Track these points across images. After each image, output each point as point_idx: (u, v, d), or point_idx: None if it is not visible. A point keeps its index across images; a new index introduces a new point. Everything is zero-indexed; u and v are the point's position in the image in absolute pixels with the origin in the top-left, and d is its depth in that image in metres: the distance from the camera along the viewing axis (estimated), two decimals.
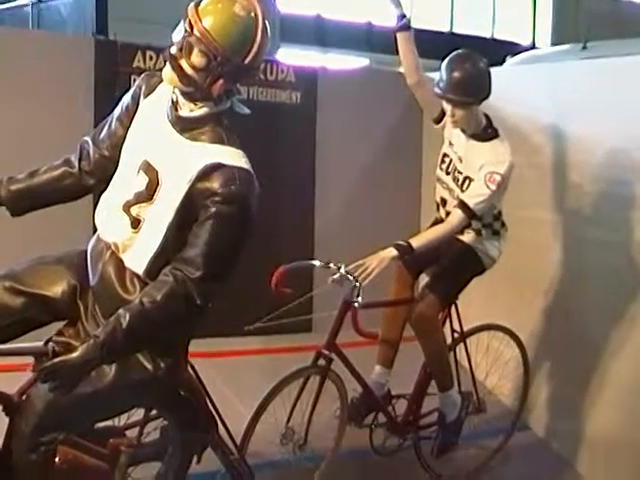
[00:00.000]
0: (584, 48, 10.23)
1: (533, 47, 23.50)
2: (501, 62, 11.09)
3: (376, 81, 7.57)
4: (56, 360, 3.12)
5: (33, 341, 3.38)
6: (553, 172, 6.23)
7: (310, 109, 7.13)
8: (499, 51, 13.69)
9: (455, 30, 25.24)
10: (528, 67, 9.25)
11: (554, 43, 22.38)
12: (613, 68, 6.00)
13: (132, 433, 4.04)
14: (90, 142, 3.65)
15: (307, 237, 7.13)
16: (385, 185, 7.39)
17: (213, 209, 3.24)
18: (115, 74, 6.02)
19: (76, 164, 3.63)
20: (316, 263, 4.90)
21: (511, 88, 6.72)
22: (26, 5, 12.21)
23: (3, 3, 12.81)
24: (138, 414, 4.02)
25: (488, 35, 25.71)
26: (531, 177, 6.26)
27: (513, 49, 16.63)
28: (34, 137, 5.82)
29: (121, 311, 3.22)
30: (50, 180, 3.63)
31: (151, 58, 6.18)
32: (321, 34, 22.40)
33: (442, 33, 24.27)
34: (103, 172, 3.59)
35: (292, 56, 20.50)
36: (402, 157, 7.42)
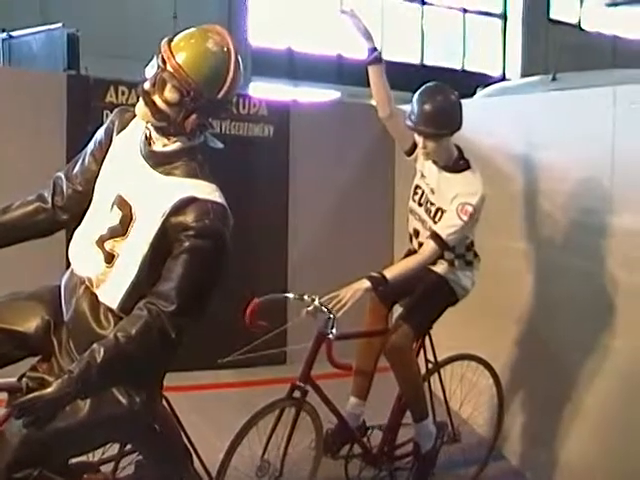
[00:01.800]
0: (554, 79, 10.33)
1: (503, 78, 23.70)
2: (472, 94, 11.17)
3: (348, 113, 7.60)
4: (30, 396, 3.12)
5: (8, 377, 3.37)
6: (524, 201, 6.27)
7: (283, 142, 7.13)
8: (470, 82, 13.81)
9: (426, 62, 25.39)
10: (498, 99, 9.33)
11: (524, 74, 22.52)
12: (581, 99, 6.07)
13: (107, 468, 4.03)
14: (63, 177, 3.65)
15: (281, 269, 7.13)
16: (358, 216, 7.41)
17: (187, 243, 3.26)
18: (87, 109, 6.02)
19: (49, 200, 3.63)
20: (290, 295, 4.92)
21: (482, 119, 6.76)
22: None
23: None
24: (113, 449, 4.02)
25: (459, 67, 25.87)
26: (503, 207, 6.29)
27: (483, 80, 16.77)
28: (7, 172, 5.80)
29: (95, 346, 3.22)
30: (23, 216, 3.63)
31: (123, 93, 6.17)
32: (292, 67, 22.46)
33: (413, 65, 24.41)
34: (77, 207, 3.59)
35: (264, 89, 20.54)
36: (375, 188, 7.45)
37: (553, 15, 26.57)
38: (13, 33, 12.08)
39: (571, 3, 27.01)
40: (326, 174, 7.32)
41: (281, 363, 6.28)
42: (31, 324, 3.55)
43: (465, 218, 4.87)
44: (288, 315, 5.84)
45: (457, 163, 5.05)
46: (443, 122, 4.88)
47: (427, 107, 4.88)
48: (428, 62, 25.37)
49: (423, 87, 5.00)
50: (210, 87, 3.29)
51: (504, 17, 26.57)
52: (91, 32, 14.17)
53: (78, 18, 16.17)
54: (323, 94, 21.22)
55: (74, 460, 3.78)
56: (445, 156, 5.04)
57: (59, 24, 11.77)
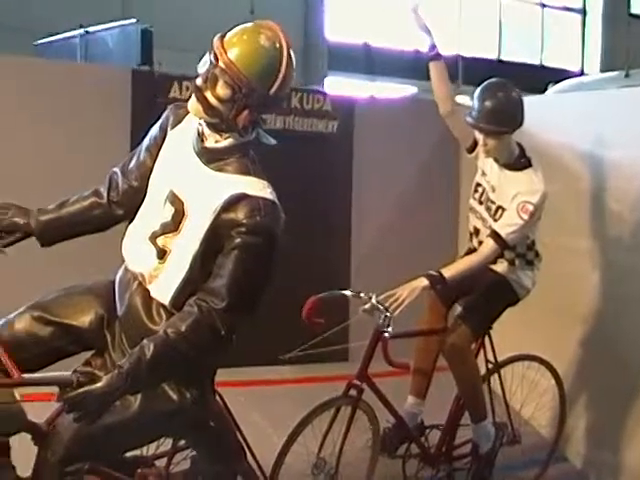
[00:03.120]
0: (627, 76, 10.18)
1: (582, 74, 23.38)
2: (545, 90, 11.07)
3: (414, 109, 7.56)
4: (80, 390, 3.12)
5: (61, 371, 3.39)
6: (591, 200, 6.20)
7: (347, 138, 7.13)
8: (547, 78, 13.62)
9: (503, 57, 25.16)
10: (568, 95, 9.20)
11: (604, 69, 22.22)
12: None
13: (162, 463, 4.05)
14: (119, 173, 3.67)
15: (344, 266, 7.12)
16: (422, 214, 7.37)
17: (238, 240, 3.25)
18: (152, 104, 6.07)
19: (105, 195, 3.65)
20: (347, 293, 4.88)
21: (550, 116, 6.71)
22: (74, 37, 12.39)
23: (52, 35, 13.02)
24: (167, 444, 4.04)
25: (537, 62, 25.59)
26: (570, 205, 6.24)
27: (562, 76, 16.53)
28: (73, 166, 5.87)
29: (145, 341, 3.23)
30: (79, 211, 3.65)
31: (187, 88, 6.19)
32: (369, 62, 22.41)
33: (490, 60, 24.21)
34: (131, 202, 3.60)
35: (340, 84, 20.54)
36: (440, 186, 7.41)
37: (634, 10, 26.10)
38: (90, 29, 12.26)
39: None
40: (391, 171, 7.30)
41: (344, 360, 6.25)
42: (85, 319, 3.58)
43: (525, 217, 4.80)
44: (350, 312, 5.83)
45: (518, 161, 4.98)
46: (504, 119, 4.82)
47: (488, 104, 4.82)
48: (505, 57, 25.13)
49: (485, 83, 4.94)
50: (262, 83, 3.28)
51: (584, 12, 26.21)
52: (168, 27, 14.39)
53: (157, 13, 16.43)
54: (400, 89, 21.11)
55: (128, 454, 3.80)
56: (506, 154, 4.98)
57: (133, 20, 11.94)
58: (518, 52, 25.35)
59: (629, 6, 25.79)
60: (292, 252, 6.36)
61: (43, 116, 6.07)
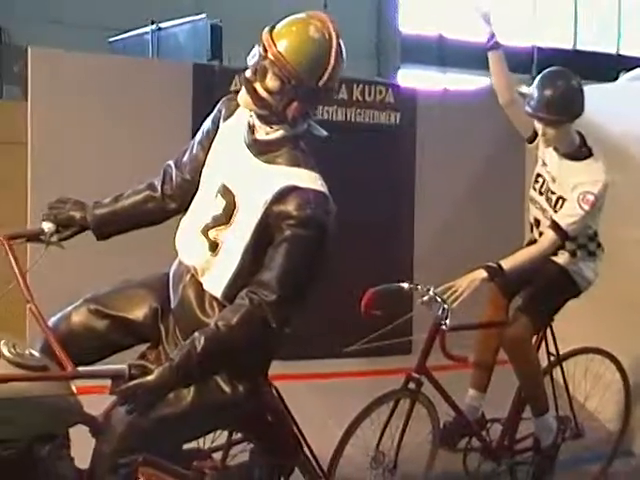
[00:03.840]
0: None
1: None
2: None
3: (479, 101, 7.47)
4: (131, 383, 3.15)
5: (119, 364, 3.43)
6: None
7: (410, 130, 7.09)
8: (624, 66, 13.41)
9: (579, 47, 24.89)
10: (636, 83, 9.05)
11: None
12: None
13: (219, 456, 4.07)
14: (173, 166, 3.70)
15: (407, 260, 7.10)
16: (487, 206, 7.32)
17: (288, 232, 3.25)
18: (212, 99, 6.07)
19: (159, 188, 3.68)
20: (405, 285, 4.85)
21: (618, 104, 6.62)
22: (146, 33, 12.56)
23: (125, 32, 13.23)
24: (224, 437, 4.05)
25: (613, 51, 25.25)
26: (635, 195, 6.13)
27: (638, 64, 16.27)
28: (133, 161, 5.92)
29: (196, 334, 3.25)
30: (134, 204, 3.69)
31: None
32: (442, 54, 22.32)
33: (566, 50, 23.97)
34: (185, 196, 3.62)
35: (413, 76, 20.51)
36: (505, 177, 7.33)
37: None
38: (162, 25, 12.43)
39: None
40: (455, 162, 7.27)
41: (407, 353, 6.22)
42: (140, 312, 3.62)
43: (586, 207, 4.74)
44: (415, 305, 5.80)
45: (579, 150, 4.91)
46: (563, 108, 4.75)
47: (547, 93, 4.76)
48: (582, 47, 24.85)
49: (544, 72, 4.90)
50: (311, 74, 3.27)
51: None
52: (240, 21, 14.47)
53: (229, 8, 16.53)
54: (473, 81, 20.97)
55: (185, 447, 3.82)
56: (566, 143, 4.91)
57: (203, 15, 12.06)
58: (594, 41, 25.03)
59: None
60: (356, 246, 6.45)
61: (111, 112, 6.14)
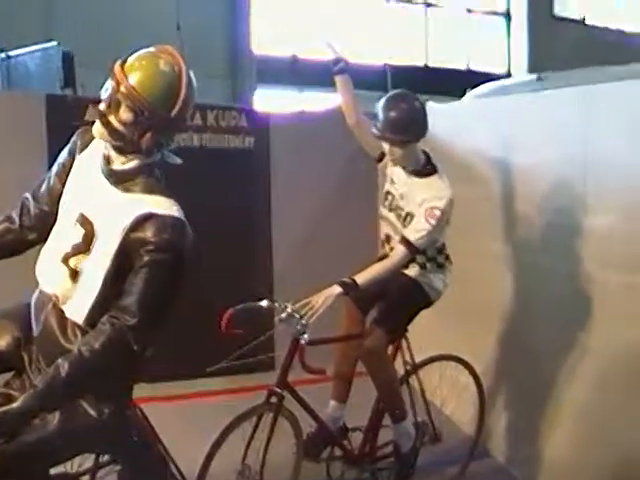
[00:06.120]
0: (539, 79, 10.38)
1: (509, 76, 23.64)
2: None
3: (330, 121, 7.66)
4: None
5: None
6: (502, 204, 6.31)
7: (264, 152, 7.24)
8: (474, 82, 13.75)
9: (430, 64, 25.39)
10: (480, 101, 9.41)
11: (531, 71, 22.46)
12: (556, 99, 6.09)
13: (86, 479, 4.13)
14: (30, 198, 3.76)
15: (267, 277, 7.24)
16: (342, 222, 7.50)
17: (147, 258, 3.36)
18: (67, 128, 6.09)
19: (17, 220, 3.74)
20: (263, 303, 4.96)
21: (463, 122, 6.86)
22: None
23: None
24: (91, 460, 4.12)
25: (464, 67, 25.85)
26: (481, 209, 6.38)
27: (488, 79, 16.72)
28: None
29: (60, 360, 3.33)
30: None
31: None
32: (297, 74, 22.48)
33: (417, 67, 24.43)
34: (43, 226, 3.69)
35: (269, 96, 20.62)
36: (358, 195, 7.52)
37: (557, 12, 26.51)
38: (11, 53, 12.18)
39: None
40: (309, 182, 7.42)
41: (270, 369, 6.34)
42: (3, 341, 3.67)
43: (433, 222, 4.93)
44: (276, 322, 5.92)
45: (424, 168, 5.11)
46: (408, 129, 4.95)
47: (392, 114, 4.95)
48: (433, 64, 25.38)
49: (387, 95, 5.07)
50: (163, 105, 3.40)
51: (507, 15, 26.56)
52: (92, 48, 14.27)
53: (81, 35, 16.29)
54: (328, 98, 21.24)
55: (53, 471, 3.88)
56: (412, 161, 5.11)
57: (54, 42, 11.87)
58: (445, 58, 25.58)
59: (552, 8, 26.26)
60: (216, 266, 6.54)
61: None
